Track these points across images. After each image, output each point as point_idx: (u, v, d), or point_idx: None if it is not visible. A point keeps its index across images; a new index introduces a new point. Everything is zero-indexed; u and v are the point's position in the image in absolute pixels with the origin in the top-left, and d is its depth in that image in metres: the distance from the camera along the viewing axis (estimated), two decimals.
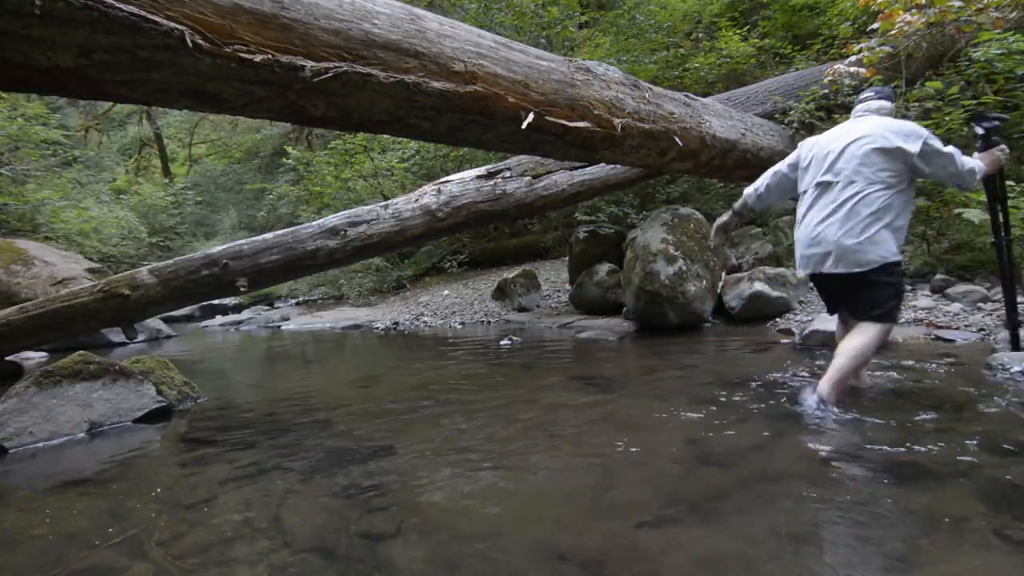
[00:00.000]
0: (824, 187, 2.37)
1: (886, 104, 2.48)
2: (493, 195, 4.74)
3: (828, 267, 2.31)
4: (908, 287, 4.16)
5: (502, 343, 4.70)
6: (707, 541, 1.38)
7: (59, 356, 3.56)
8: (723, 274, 4.82)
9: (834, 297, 2.58)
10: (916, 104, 4.36)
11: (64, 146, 12.74)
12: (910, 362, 2.92)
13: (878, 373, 2.74)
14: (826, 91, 5.10)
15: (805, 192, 2.48)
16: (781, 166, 2.67)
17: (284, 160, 11.99)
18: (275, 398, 3.53)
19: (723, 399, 2.53)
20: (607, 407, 2.63)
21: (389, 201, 4.82)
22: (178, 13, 1.72)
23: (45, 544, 1.65)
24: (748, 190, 2.79)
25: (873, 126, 2.33)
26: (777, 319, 4.31)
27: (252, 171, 19.29)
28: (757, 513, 1.50)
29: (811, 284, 2.63)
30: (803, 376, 2.78)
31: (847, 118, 2.58)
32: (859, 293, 2.33)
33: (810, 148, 2.51)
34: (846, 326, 2.52)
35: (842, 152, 2.34)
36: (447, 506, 1.70)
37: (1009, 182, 3.86)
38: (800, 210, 2.49)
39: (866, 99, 2.51)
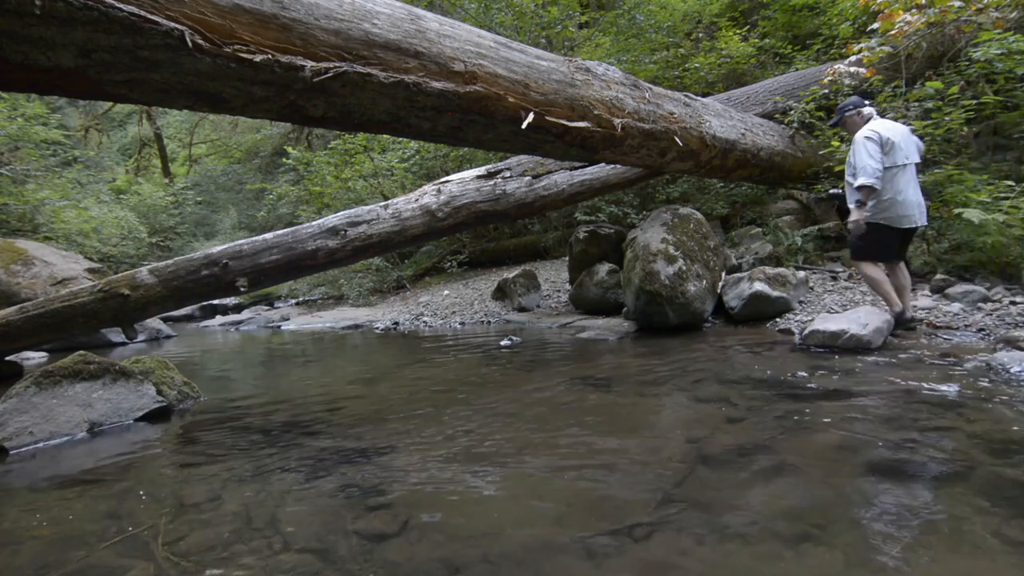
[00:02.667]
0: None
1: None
2: (493, 195, 4.74)
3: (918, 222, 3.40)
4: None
5: (502, 343, 4.70)
6: (708, 542, 1.38)
7: (59, 356, 3.56)
8: (723, 274, 4.82)
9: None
10: (916, 104, 4.36)
11: (64, 146, 12.75)
12: (910, 362, 2.92)
13: (877, 373, 2.74)
14: (826, 91, 5.10)
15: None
16: (877, 155, 3.31)
17: (284, 160, 11.99)
18: (275, 398, 3.53)
19: (723, 399, 2.54)
20: (607, 407, 2.63)
21: (389, 201, 4.81)
22: (178, 13, 1.73)
23: (45, 544, 1.65)
24: (873, 181, 3.29)
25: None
26: (777, 319, 4.31)
27: (252, 171, 19.30)
28: (758, 513, 1.50)
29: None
30: (802, 375, 2.78)
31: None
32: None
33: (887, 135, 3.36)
34: (890, 268, 3.52)
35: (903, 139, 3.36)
36: (447, 506, 1.70)
37: (1009, 182, 3.88)
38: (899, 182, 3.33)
39: (871, 105, 3.61)
